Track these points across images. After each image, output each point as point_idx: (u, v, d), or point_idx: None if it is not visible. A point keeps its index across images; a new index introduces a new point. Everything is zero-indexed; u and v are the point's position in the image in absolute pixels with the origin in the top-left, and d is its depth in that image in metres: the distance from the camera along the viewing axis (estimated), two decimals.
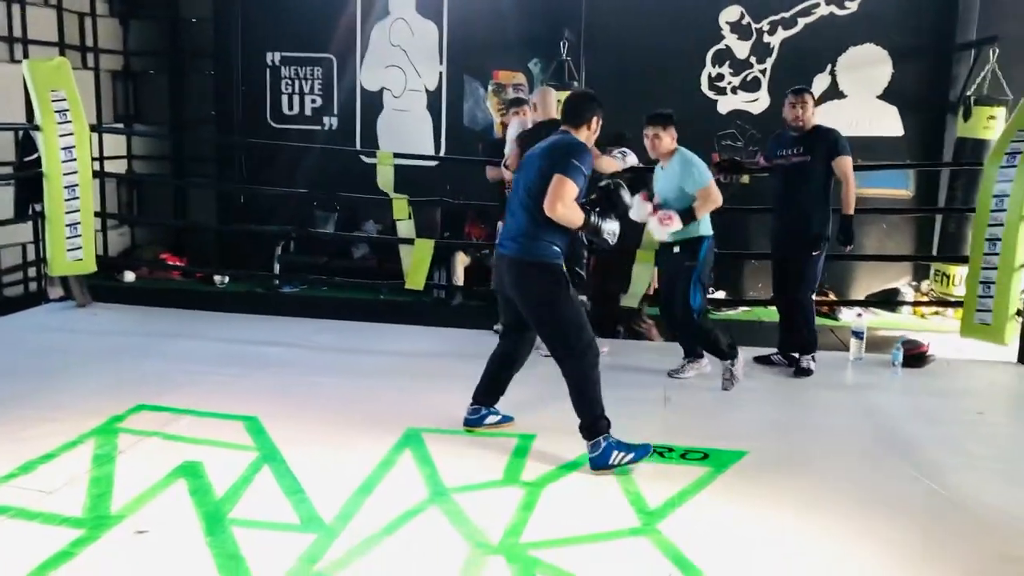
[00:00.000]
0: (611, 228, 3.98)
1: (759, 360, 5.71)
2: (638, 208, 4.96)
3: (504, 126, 8.58)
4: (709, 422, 4.62)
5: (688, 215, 4.87)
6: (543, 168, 3.86)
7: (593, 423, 3.88)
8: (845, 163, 5.30)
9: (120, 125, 8.99)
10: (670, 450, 4.13)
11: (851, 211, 5.34)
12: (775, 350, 5.72)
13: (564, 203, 3.77)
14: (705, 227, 5.01)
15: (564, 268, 3.96)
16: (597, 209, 3.96)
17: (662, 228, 4.88)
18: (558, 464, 3.94)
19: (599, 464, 3.82)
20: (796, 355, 5.57)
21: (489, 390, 4.33)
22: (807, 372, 5.47)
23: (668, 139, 4.97)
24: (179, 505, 3.43)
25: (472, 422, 4.32)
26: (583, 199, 3.92)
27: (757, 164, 5.84)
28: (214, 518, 3.32)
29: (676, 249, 5.01)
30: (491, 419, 4.35)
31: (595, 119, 4.01)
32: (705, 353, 5.27)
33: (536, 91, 5.99)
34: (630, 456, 3.82)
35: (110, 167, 8.44)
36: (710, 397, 5.02)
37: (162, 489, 3.56)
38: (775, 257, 5.64)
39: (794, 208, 5.39)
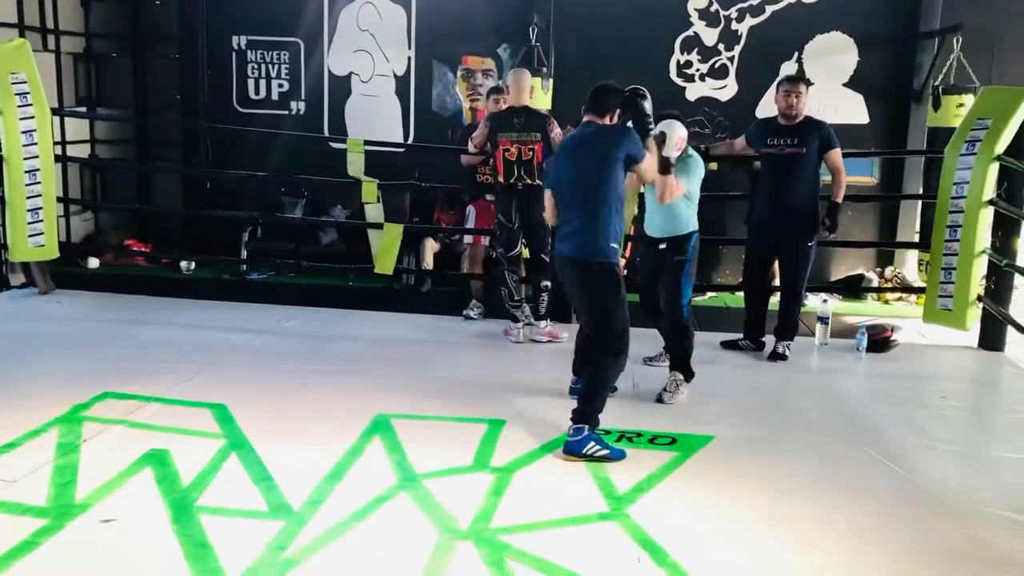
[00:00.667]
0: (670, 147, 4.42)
1: (726, 345, 5.77)
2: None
3: (473, 111, 8.60)
4: (677, 407, 4.66)
5: (666, 165, 4.41)
6: (600, 160, 3.97)
7: (589, 413, 3.93)
8: (838, 155, 5.41)
9: (82, 109, 8.82)
10: (639, 435, 4.16)
11: (840, 200, 5.43)
12: (741, 335, 5.78)
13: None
14: (693, 222, 4.83)
15: (619, 268, 4.13)
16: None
17: (671, 136, 4.45)
18: (528, 450, 3.96)
19: (574, 450, 3.85)
20: (764, 340, 5.64)
21: (583, 366, 4.36)
22: (783, 357, 5.56)
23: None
24: (145, 493, 3.40)
25: (575, 391, 4.41)
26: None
27: (732, 150, 5.86)
28: (181, 506, 3.30)
29: (663, 246, 4.77)
30: None
31: (617, 112, 4.12)
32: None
33: (510, 73, 5.96)
34: (604, 452, 3.85)
35: (72, 151, 8.27)
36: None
37: (128, 477, 3.53)
38: (763, 245, 5.66)
39: (788, 197, 5.42)
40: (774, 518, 3.40)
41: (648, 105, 4.34)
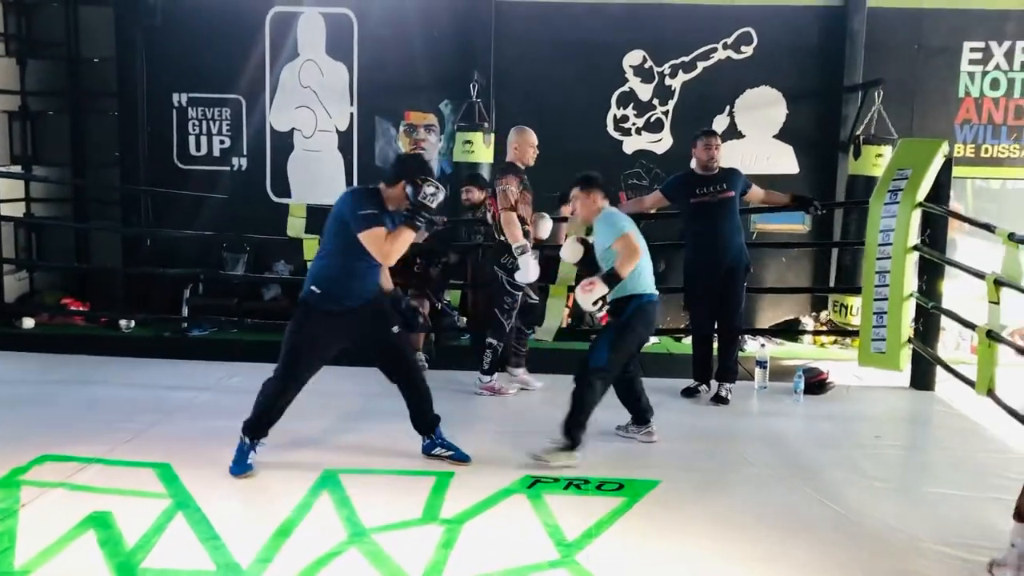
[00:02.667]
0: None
1: (687, 393, 5.86)
2: (569, 249, 5.02)
3: None
4: (623, 453, 4.72)
5: (612, 276, 4.38)
6: (333, 217, 4.18)
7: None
8: (756, 189, 5.86)
9: (18, 168, 8.70)
10: (586, 482, 4.21)
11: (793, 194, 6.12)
12: (695, 382, 5.89)
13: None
14: (636, 285, 4.57)
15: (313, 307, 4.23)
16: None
17: (584, 296, 4.36)
18: (476, 500, 3.98)
19: None
20: (715, 382, 5.75)
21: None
22: (725, 400, 5.70)
23: (589, 202, 4.70)
24: (88, 557, 3.34)
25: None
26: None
27: (642, 207, 6.04)
28: (126, 568, 3.25)
29: (608, 307, 4.59)
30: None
31: (402, 184, 4.06)
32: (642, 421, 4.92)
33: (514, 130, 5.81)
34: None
35: (7, 210, 8.16)
36: (623, 429, 5.12)
37: (69, 541, 3.45)
38: (702, 290, 5.78)
39: (723, 241, 5.65)
40: (720, 559, 3.46)
41: (429, 191, 4.00)
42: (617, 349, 4.52)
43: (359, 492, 4.02)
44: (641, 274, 4.58)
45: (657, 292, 4.69)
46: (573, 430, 4.44)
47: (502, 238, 5.55)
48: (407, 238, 4.05)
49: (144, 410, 5.20)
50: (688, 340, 8.06)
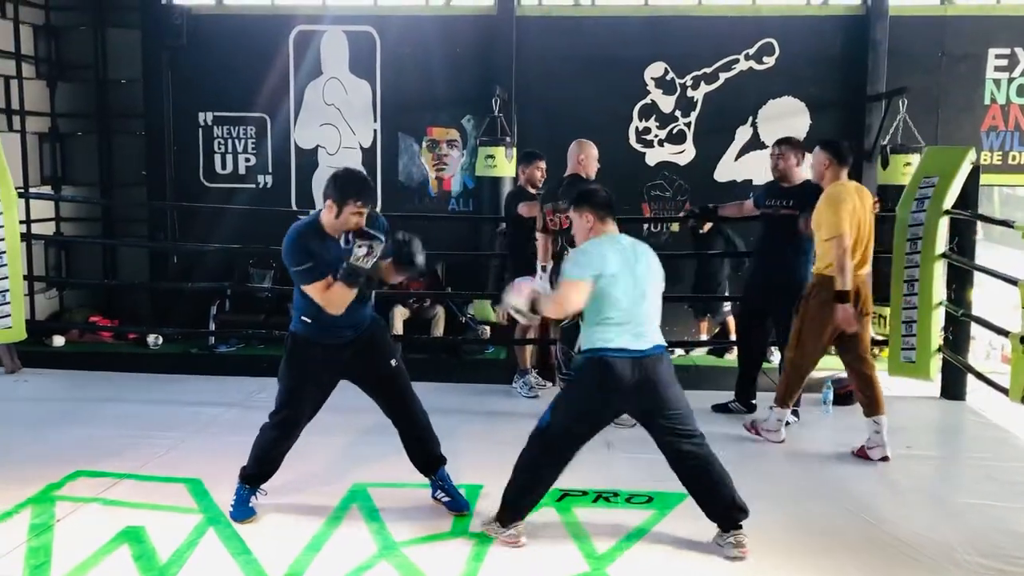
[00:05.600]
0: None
1: (717, 408, 5.74)
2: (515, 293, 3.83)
3: (439, 181, 8.78)
4: (652, 465, 4.68)
5: (535, 304, 3.60)
6: None
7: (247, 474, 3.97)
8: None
9: (48, 188, 8.84)
10: (615, 495, 4.20)
11: None
12: (732, 398, 5.76)
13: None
14: (596, 338, 3.57)
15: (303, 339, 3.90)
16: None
17: (511, 294, 3.65)
18: None
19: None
20: (755, 403, 5.65)
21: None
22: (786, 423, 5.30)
23: (581, 223, 3.76)
24: (122, 572, 3.38)
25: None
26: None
27: (740, 212, 5.90)
28: None
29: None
30: None
31: (329, 201, 3.67)
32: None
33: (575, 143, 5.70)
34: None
35: (38, 228, 8.29)
36: (649, 442, 5.09)
37: (104, 556, 3.49)
38: (751, 305, 5.69)
39: (776, 259, 5.37)
40: (751, 571, 3.44)
41: (360, 252, 3.58)
42: (560, 409, 3.65)
43: (388, 506, 4.03)
44: (606, 326, 3.55)
45: (641, 348, 3.55)
46: (508, 499, 3.69)
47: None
48: (348, 292, 3.64)
49: (174, 426, 5.24)
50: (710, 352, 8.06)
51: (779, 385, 5.16)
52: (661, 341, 3.64)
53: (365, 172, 3.93)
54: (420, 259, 3.76)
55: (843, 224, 4.64)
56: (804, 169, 5.40)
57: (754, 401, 5.69)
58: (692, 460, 3.65)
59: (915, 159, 7.53)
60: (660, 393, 3.56)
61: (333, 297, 3.64)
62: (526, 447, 3.68)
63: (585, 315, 3.60)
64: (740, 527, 3.60)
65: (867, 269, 4.94)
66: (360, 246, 3.58)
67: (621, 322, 3.54)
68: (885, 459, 4.74)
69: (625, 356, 3.51)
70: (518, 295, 3.61)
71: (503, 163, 7.97)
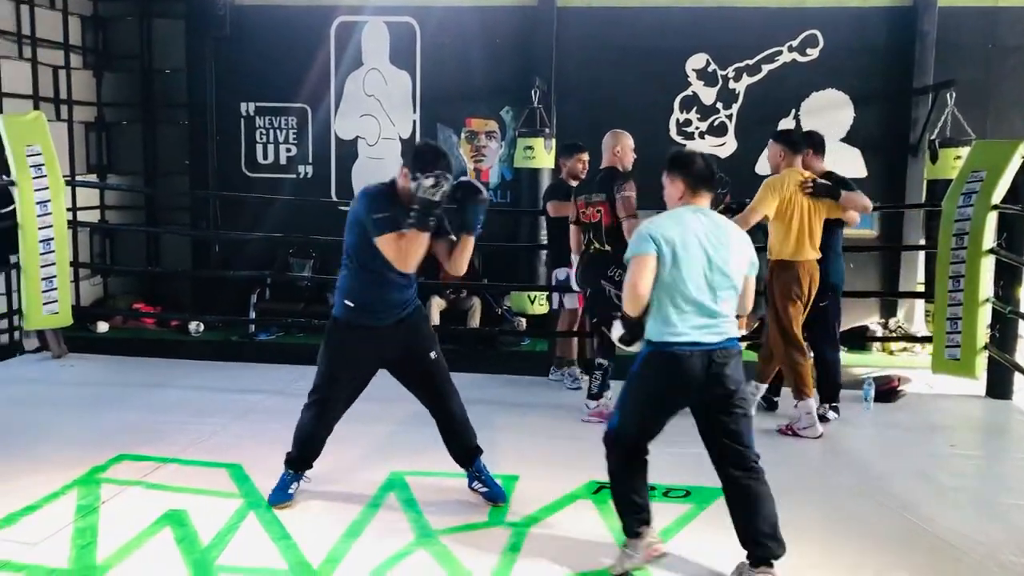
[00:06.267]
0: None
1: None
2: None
3: (477, 172, 8.78)
4: (689, 459, 4.65)
5: (624, 317, 3.35)
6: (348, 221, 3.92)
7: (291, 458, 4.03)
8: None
9: (94, 176, 8.99)
10: (652, 488, 4.15)
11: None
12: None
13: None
14: (651, 330, 3.30)
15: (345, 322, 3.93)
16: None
17: (614, 329, 3.48)
18: (542, 504, 3.98)
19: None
20: (777, 400, 5.60)
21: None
22: (824, 419, 5.29)
23: (672, 189, 3.42)
24: (165, 554, 3.43)
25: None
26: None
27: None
28: (201, 566, 3.33)
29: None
30: None
31: (405, 170, 3.73)
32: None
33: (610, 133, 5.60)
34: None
35: (83, 216, 8.43)
36: (688, 435, 5.06)
37: (148, 538, 3.55)
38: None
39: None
40: (790, 568, 3.40)
41: (427, 183, 3.59)
42: (625, 408, 3.44)
43: (426, 495, 4.06)
44: (662, 314, 3.26)
45: (711, 342, 3.24)
46: (620, 514, 3.46)
47: (607, 248, 5.21)
48: (420, 240, 3.65)
49: (215, 412, 5.32)
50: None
51: (788, 380, 5.22)
52: (735, 333, 3.31)
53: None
54: (485, 193, 3.89)
55: (759, 204, 5.03)
56: (818, 163, 5.43)
57: (776, 398, 5.62)
58: (741, 474, 3.42)
59: (965, 153, 7.37)
60: (727, 390, 3.27)
61: (408, 247, 3.64)
62: (607, 457, 3.44)
63: (651, 300, 3.27)
64: (772, 566, 3.22)
65: (815, 255, 5.10)
66: (428, 177, 3.59)
67: (668, 311, 3.22)
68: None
69: (671, 350, 3.22)
70: (616, 329, 3.41)
71: (542, 154, 7.95)
